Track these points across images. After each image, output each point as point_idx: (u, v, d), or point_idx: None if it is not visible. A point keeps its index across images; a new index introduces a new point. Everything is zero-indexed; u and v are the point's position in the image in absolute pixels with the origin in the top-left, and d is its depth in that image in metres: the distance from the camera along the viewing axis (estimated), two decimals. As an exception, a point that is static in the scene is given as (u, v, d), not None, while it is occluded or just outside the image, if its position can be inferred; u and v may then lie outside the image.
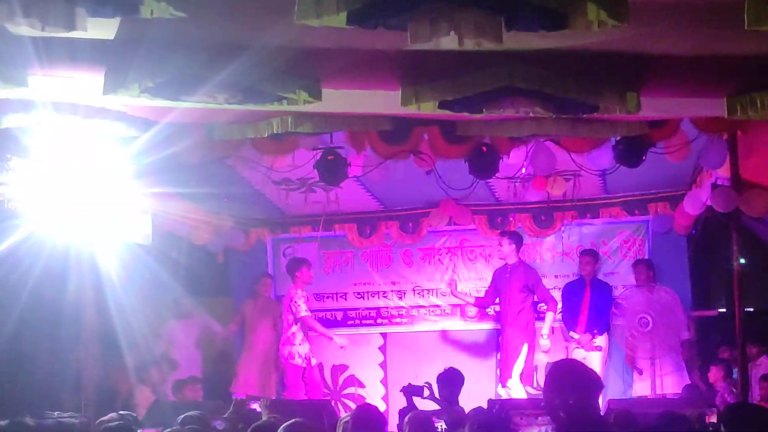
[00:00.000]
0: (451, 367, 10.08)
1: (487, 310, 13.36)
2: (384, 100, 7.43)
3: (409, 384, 10.13)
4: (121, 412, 8.45)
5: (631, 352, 12.41)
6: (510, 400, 12.02)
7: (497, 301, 12.82)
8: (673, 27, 5.76)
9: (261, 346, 13.19)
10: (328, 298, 13.94)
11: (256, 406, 9.49)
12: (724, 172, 10.25)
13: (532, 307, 12.58)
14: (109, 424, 7.02)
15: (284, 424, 6.43)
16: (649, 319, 12.08)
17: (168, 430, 7.03)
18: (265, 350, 13.20)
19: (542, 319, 12.64)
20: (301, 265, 12.83)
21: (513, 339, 12.37)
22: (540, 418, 8.25)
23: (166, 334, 13.04)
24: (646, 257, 12.97)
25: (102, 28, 5.77)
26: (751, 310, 11.59)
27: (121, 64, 6.40)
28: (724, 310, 12.56)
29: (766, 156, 9.95)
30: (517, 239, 12.74)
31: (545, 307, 12.71)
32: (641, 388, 12.32)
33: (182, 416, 7.96)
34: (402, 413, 8.90)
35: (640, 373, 12.36)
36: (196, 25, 5.78)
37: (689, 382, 12.23)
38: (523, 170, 11.27)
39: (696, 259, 13.21)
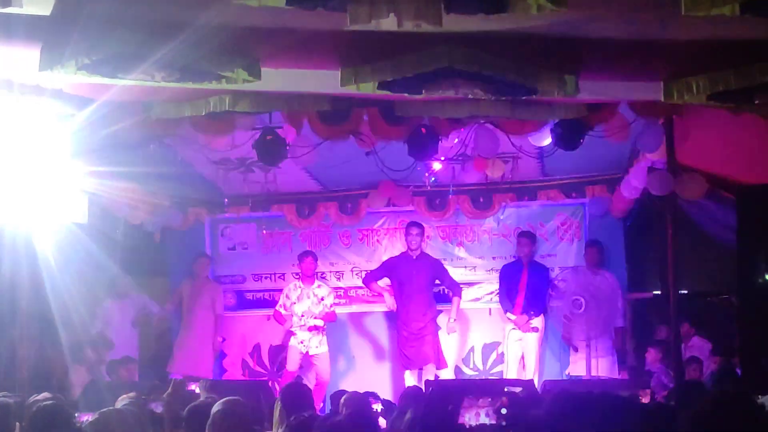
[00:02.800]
0: None
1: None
2: (324, 80, 7.42)
3: None
4: (56, 393, 8.37)
5: (567, 333, 12.53)
6: (447, 381, 12.13)
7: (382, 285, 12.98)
8: (611, 11, 5.80)
9: (198, 326, 13.18)
10: (266, 278, 13.90)
11: (194, 387, 9.43)
12: (660, 156, 10.34)
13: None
14: (43, 403, 6.94)
15: (219, 402, 6.42)
16: (583, 301, 12.19)
17: (104, 410, 6.96)
18: (203, 331, 13.18)
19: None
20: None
21: (428, 327, 12.55)
22: (481, 399, 8.27)
23: (102, 313, 12.94)
24: (595, 239, 13.03)
25: (38, 4, 5.71)
26: (685, 292, 11.72)
27: (58, 41, 6.32)
28: (659, 292, 12.69)
29: (701, 140, 10.06)
30: (424, 230, 12.92)
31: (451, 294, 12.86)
32: (577, 369, 12.44)
33: (120, 398, 7.91)
34: (338, 395, 8.91)
35: (576, 351, 12.48)
36: (134, 3, 5.73)
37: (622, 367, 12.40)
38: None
39: (632, 242, 13.32)
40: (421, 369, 12.51)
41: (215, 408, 6.35)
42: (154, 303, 13.49)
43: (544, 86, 7.08)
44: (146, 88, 7.50)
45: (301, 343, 12.68)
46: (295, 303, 12.76)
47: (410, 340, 12.54)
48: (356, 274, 13.85)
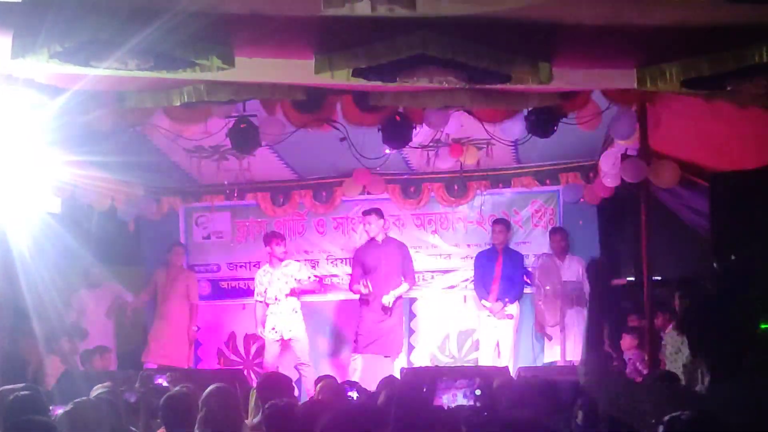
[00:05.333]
0: None
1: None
2: (298, 69, 7.40)
3: None
4: (30, 384, 8.33)
5: (541, 319, 12.58)
6: (423, 368, 12.15)
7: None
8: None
9: (173, 315, 13.19)
10: (241, 267, 13.90)
11: (162, 380, 9.37)
12: (633, 143, 10.39)
13: None
14: (20, 393, 6.92)
15: (208, 389, 6.47)
16: (558, 287, 12.24)
17: (78, 399, 6.94)
18: (177, 320, 13.18)
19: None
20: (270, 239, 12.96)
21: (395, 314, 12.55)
22: (458, 381, 8.32)
23: (76, 303, 12.92)
24: (559, 226, 13.10)
25: (10, -9, 5.67)
26: (659, 278, 11.77)
27: (30, 28, 6.28)
28: (632, 278, 12.74)
29: (674, 127, 10.10)
30: (382, 214, 12.86)
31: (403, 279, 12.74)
32: (551, 355, 12.49)
33: (95, 388, 7.90)
34: (316, 382, 8.94)
35: (550, 339, 12.54)
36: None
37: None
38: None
39: (606, 229, 13.38)
40: (387, 356, 12.48)
41: (208, 391, 6.42)
42: (129, 292, 13.46)
43: (518, 73, 7.09)
44: (119, 77, 7.47)
45: (273, 329, 12.63)
46: (267, 288, 12.74)
47: (375, 324, 12.48)
48: (331, 262, 13.88)
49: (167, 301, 13.24)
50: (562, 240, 12.84)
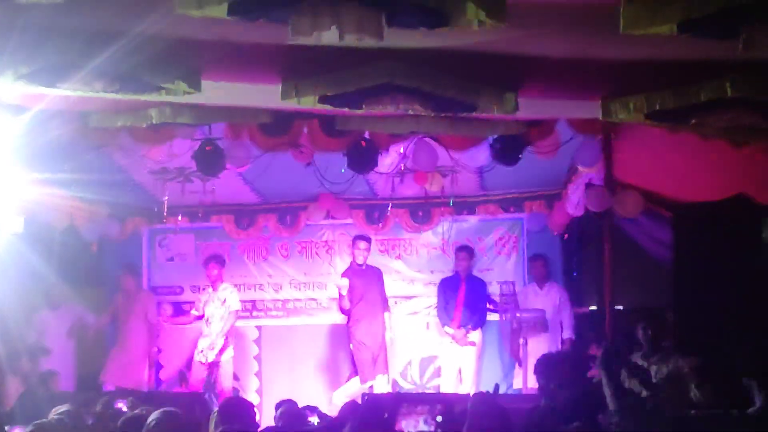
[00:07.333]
0: None
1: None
2: (264, 94, 7.40)
3: None
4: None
5: (515, 348, 12.56)
6: (384, 393, 12.12)
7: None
8: (551, 29, 5.84)
9: (132, 337, 13.16)
10: (203, 289, 13.84)
11: (122, 405, 9.30)
12: (597, 172, 10.44)
13: None
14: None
15: (155, 413, 6.37)
16: (528, 316, 12.21)
17: (38, 421, 6.88)
18: (136, 342, 13.14)
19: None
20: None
21: (378, 334, 12.51)
22: (420, 407, 8.31)
23: (37, 323, 12.80)
24: (539, 252, 13.10)
25: (-26, 13, 5.63)
26: (621, 308, 11.82)
27: (-5, 50, 6.25)
28: (595, 308, 12.78)
29: (638, 156, 10.16)
30: (371, 242, 12.90)
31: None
32: (519, 383, 12.49)
33: (54, 409, 7.83)
34: (277, 406, 8.89)
35: (520, 365, 12.51)
36: (73, 11, 5.66)
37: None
38: (402, 167, 11.34)
39: (569, 258, 13.43)
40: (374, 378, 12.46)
41: (151, 418, 6.30)
42: (91, 313, 13.37)
43: (484, 103, 7.11)
44: (84, 97, 7.43)
45: (201, 352, 12.70)
46: (204, 307, 12.87)
47: (369, 351, 12.44)
48: (294, 287, 13.83)
49: (126, 323, 13.22)
50: (543, 267, 12.86)
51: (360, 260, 12.68)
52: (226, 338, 12.79)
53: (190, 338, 13.70)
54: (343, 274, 12.76)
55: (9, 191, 9.92)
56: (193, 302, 13.43)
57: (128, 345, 13.11)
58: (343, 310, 12.78)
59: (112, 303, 13.43)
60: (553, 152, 9.85)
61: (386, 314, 12.72)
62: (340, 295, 12.55)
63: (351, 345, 12.63)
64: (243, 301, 13.44)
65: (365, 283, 12.59)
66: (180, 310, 13.93)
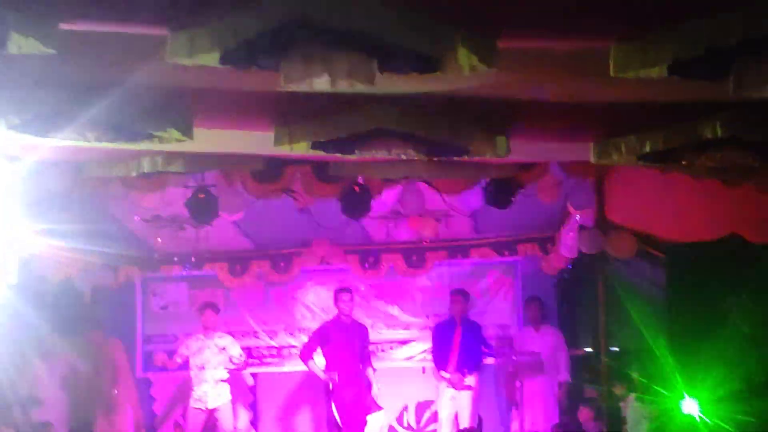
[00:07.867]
0: None
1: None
2: (257, 140, 7.41)
3: None
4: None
5: (505, 389, 12.52)
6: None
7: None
8: (542, 73, 5.85)
9: (119, 391, 13.10)
10: (191, 336, 13.78)
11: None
12: (590, 214, 10.46)
13: None
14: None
15: None
16: (525, 360, 12.18)
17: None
18: (125, 392, 13.09)
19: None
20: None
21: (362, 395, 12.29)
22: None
23: (30, 373, 12.74)
24: (535, 295, 13.07)
25: (-34, 63, 5.63)
26: (616, 349, 11.80)
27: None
28: (590, 349, 12.76)
29: (631, 198, 10.18)
30: (353, 293, 12.76)
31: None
32: (516, 426, 12.44)
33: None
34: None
35: (517, 408, 12.46)
36: (65, 62, 5.67)
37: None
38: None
39: (564, 300, 13.42)
40: None
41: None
42: (84, 363, 13.31)
43: (476, 147, 7.12)
44: (78, 148, 7.43)
45: (199, 400, 12.50)
46: (193, 355, 12.57)
47: (351, 408, 12.15)
48: (289, 333, 13.78)
49: (116, 373, 13.16)
50: (538, 309, 12.85)
51: (346, 312, 12.45)
52: (226, 384, 12.65)
53: (184, 388, 13.65)
54: (324, 327, 12.58)
55: (4, 242, 9.90)
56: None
57: (118, 395, 13.07)
58: (306, 358, 12.50)
59: (103, 353, 13.40)
60: (555, 193, 9.87)
61: (369, 370, 12.40)
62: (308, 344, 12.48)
63: (333, 405, 12.24)
64: (238, 348, 13.37)
65: (343, 338, 12.31)
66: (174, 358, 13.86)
